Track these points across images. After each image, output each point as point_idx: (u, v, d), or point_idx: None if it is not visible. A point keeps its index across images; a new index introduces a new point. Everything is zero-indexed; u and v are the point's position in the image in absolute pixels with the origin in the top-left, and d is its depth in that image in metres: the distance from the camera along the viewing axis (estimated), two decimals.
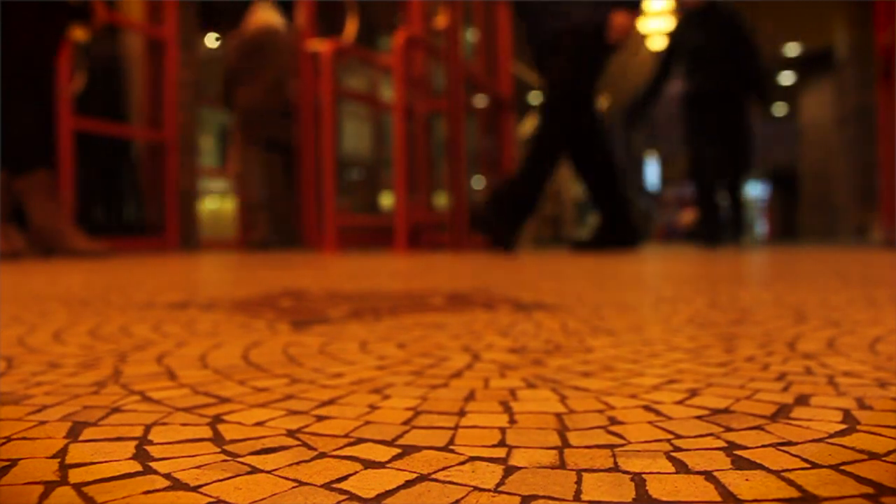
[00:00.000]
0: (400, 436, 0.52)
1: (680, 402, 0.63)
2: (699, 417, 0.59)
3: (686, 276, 2.31)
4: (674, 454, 0.47)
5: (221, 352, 0.86)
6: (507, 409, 0.59)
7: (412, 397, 0.63)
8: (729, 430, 0.57)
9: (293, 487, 0.42)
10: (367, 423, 0.55)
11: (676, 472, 0.44)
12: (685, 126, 6.04)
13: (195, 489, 0.42)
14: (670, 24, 10.53)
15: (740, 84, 5.89)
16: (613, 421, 0.55)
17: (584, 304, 1.39)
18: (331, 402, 0.62)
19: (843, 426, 0.58)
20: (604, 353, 0.84)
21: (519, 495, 0.40)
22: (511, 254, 4.01)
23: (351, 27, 5.95)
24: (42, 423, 0.56)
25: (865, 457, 0.51)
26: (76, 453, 0.48)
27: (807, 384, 0.73)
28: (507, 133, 6.35)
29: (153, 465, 0.46)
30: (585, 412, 0.58)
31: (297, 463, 0.46)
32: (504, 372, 0.73)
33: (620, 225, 4.50)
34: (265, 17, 5.87)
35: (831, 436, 0.56)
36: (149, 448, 0.49)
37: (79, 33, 4.21)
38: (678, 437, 0.51)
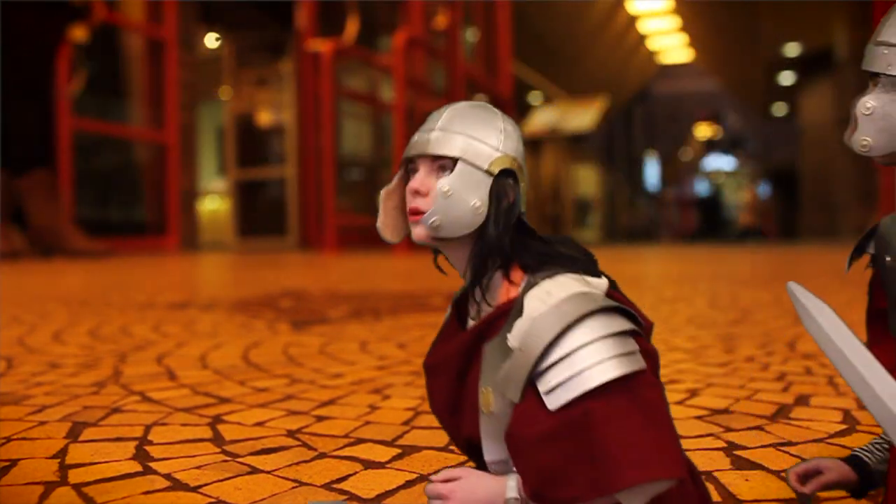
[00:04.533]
0: (400, 436, 0.52)
1: (680, 402, 0.63)
2: (699, 417, 0.59)
3: (686, 275, 2.31)
4: None
5: (221, 352, 0.86)
6: None
7: (412, 397, 0.63)
8: (729, 430, 0.57)
9: (293, 487, 0.42)
10: (367, 423, 0.55)
11: None
12: None
13: (195, 489, 0.42)
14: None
15: None
16: None
17: None
18: (331, 402, 0.62)
19: (843, 426, 0.58)
20: None
21: None
22: None
23: (351, 28, 5.95)
24: (42, 423, 0.56)
25: None
26: (76, 453, 0.48)
27: (807, 384, 0.73)
28: None
29: (153, 465, 0.46)
30: None
31: (297, 463, 0.46)
32: None
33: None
34: None
35: (831, 436, 0.56)
36: (149, 448, 0.49)
37: (79, 33, 4.22)
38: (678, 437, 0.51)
